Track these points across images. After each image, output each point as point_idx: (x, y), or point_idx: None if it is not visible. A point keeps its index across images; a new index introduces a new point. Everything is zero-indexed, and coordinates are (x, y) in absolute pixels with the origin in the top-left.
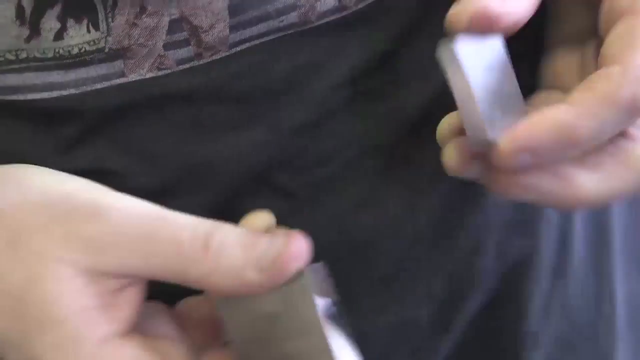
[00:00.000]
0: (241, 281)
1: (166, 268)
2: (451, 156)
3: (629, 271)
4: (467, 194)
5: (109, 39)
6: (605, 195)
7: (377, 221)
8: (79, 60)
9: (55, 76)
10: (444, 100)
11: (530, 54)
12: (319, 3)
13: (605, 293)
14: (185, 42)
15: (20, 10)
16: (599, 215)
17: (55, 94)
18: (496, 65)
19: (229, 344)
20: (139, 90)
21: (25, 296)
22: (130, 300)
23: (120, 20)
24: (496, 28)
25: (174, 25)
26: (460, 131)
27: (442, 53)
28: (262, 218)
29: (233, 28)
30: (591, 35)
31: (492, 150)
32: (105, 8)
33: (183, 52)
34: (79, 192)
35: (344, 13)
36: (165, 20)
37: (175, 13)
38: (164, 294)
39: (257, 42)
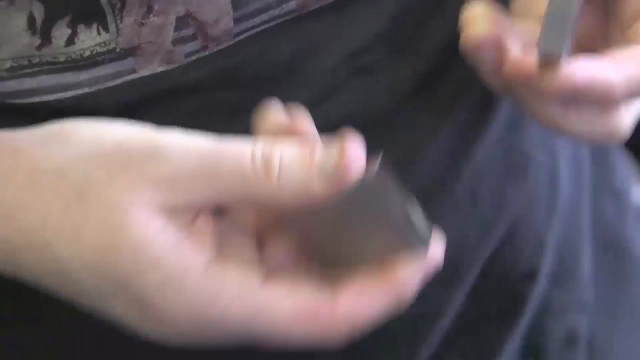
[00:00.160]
0: (308, 194)
1: (234, 195)
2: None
3: (596, 202)
4: (462, 146)
5: (119, 39)
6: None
7: None
8: (91, 61)
9: (69, 77)
10: (442, 66)
11: None
12: None
13: (581, 221)
14: (192, 37)
15: (31, 20)
16: (575, 152)
17: (69, 93)
18: None
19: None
20: (150, 85)
21: (110, 248)
22: (207, 228)
23: (128, 21)
24: None
25: (181, 21)
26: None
27: None
28: (277, 114)
29: (237, 20)
30: None
31: (549, 70)
32: (113, 11)
33: (190, 46)
34: (133, 137)
35: None
36: (172, 17)
37: (181, 10)
38: None
39: (258, 29)
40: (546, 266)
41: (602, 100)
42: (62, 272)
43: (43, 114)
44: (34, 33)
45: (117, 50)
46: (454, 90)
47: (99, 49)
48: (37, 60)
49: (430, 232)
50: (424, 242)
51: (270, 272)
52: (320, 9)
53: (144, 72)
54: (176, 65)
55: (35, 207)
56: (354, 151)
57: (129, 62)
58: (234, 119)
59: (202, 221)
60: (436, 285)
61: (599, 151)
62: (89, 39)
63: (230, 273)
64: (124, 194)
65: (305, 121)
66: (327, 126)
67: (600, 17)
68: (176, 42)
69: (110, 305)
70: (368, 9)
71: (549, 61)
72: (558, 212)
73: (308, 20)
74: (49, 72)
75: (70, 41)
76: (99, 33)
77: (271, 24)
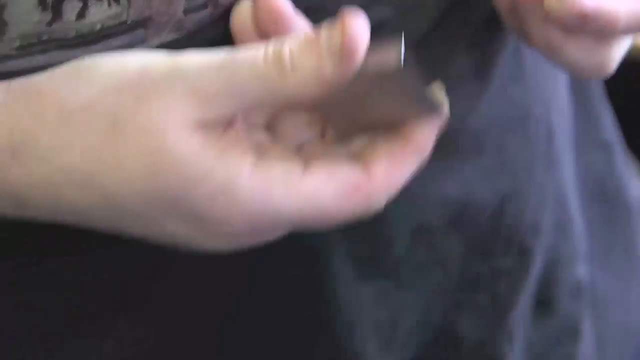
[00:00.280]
0: (323, 79)
1: (256, 100)
2: None
3: (583, 154)
4: (467, 99)
5: (130, 11)
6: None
7: None
8: (101, 35)
9: (79, 53)
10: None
11: None
12: None
13: (567, 173)
14: (203, 6)
15: None
16: (561, 104)
17: None
18: None
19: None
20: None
21: (156, 171)
22: (240, 135)
23: None
24: None
25: None
26: None
27: None
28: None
29: None
30: None
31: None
32: None
33: (201, 15)
34: (153, 63)
35: None
36: None
37: None
38: None
39: None
40: (549, 219)
41: (605, 30)
42: (109, 203)
43: None
44: (44, 9)
45: (128, 22)
46: (456, 43)
47: (109, 22)
48: (46, 37)
49: (443, 98)
50: (438, 109)
51: (306, 161)
52: None
53: (153, 42)
54: (185, 32)
55: (71, 145)
56: (355, 26)
57: (139, 33)
58: None
59: (234, 131)
60: (442, 236)
61: (585, 102)
62: (100, 12)
63: (274, 171)
64: (159, 117)
65: (287, 5)
66: None
67: None
68: (187, 11)
69: (161, 225)
70: None
71: None
72: (555, 166)
73: None
74: (59, 48)
75: (80, 15)
76: (109, 6)
77: None
